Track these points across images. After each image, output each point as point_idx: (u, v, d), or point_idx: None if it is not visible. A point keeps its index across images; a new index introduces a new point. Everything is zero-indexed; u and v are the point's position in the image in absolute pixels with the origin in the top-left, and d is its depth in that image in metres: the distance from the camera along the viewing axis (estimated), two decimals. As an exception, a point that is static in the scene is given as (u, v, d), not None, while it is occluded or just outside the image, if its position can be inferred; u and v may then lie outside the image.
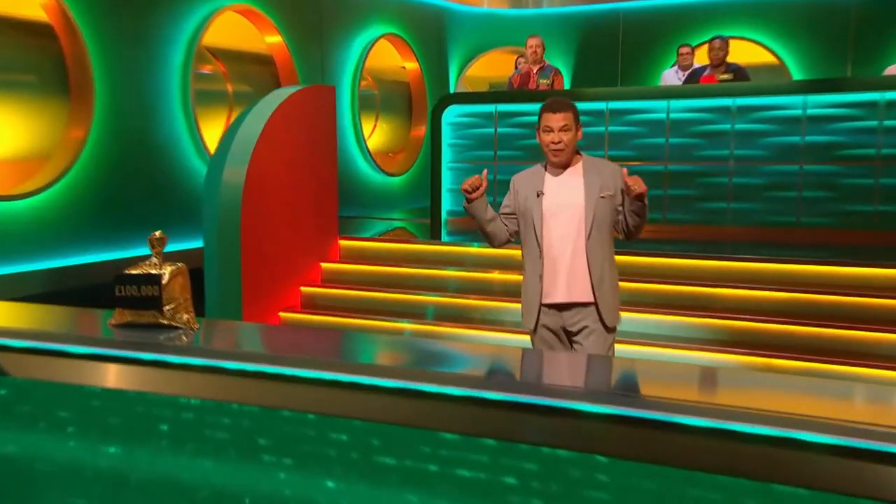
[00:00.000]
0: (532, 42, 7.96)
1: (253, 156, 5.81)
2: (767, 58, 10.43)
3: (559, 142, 3.48)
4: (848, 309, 5.40)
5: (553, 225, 3.55)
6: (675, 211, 7.11)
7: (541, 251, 3.57)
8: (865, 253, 5.91)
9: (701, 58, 8.94)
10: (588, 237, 3.50)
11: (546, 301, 3.58)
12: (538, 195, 3.57)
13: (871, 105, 6.44)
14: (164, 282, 2.06)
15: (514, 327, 5.84)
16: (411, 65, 11.35)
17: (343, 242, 6.96)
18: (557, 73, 8.05)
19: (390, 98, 11.20)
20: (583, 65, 11.68)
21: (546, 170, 3.63)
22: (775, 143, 6.76)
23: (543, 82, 7.93)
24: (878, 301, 5.33)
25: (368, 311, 6.34)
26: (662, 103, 7.10)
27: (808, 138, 6.63)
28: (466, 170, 7.88)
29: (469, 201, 3.52)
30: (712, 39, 7.29)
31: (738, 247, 6.45)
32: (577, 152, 3.62)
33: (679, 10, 11.18)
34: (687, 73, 8.63)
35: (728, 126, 6.86)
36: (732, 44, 7.76)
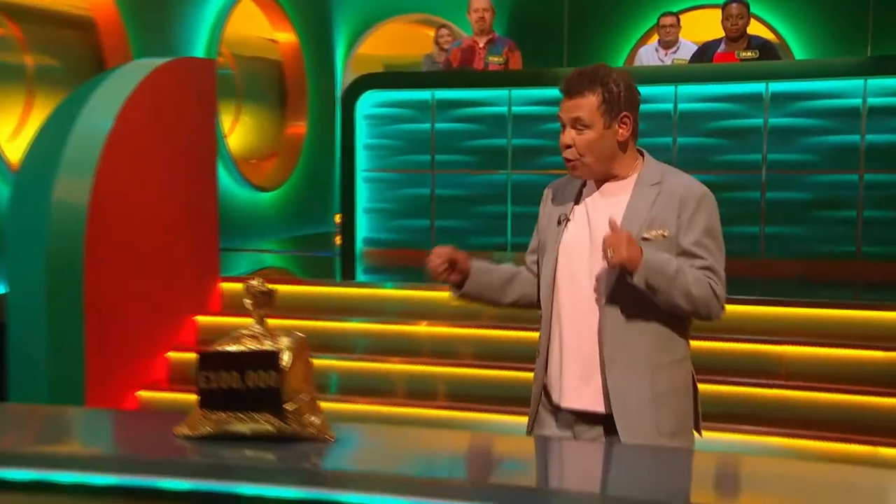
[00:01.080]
0: (477, 4, 7.70)
1: (101, 162, 5.59)
2: (763, 34, 10.35)
3: (568, 146, 2.77)
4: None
5: (569, 275, 2.83)
6: (687, 237, 6.86)
7: (550, 314, 2.88)
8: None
9: (689, 31, 8.75)
10: (603, 304, 2.75)
11: (551, 396, 2.89)
12: (559, 222, 2.87)
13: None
14: (284, 364, 1.78)
15: (452, 401, 5.76)
16: (285, 37, 11.22)
17: (226, 286, 6.72)
18: (513, 47, 7.80)
19: (256, 82, 11.03)
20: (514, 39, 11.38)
21: (585, 182, 2.92)
22: (825, 143, 6.72)
23: (494, 60, 7.58)
24: None
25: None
26: (668, 89, 6.96)
27: (871, 137, 6.58)
28: (392, 181, 7.67)
29: (457, 287, 2.93)
30: (727, 4, 7.20)
31: (774, 286, 6.35)
32: (640, 153, 2.89)
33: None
34: (671, 51, 8.47)
35: (759, 121, 6.78)
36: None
